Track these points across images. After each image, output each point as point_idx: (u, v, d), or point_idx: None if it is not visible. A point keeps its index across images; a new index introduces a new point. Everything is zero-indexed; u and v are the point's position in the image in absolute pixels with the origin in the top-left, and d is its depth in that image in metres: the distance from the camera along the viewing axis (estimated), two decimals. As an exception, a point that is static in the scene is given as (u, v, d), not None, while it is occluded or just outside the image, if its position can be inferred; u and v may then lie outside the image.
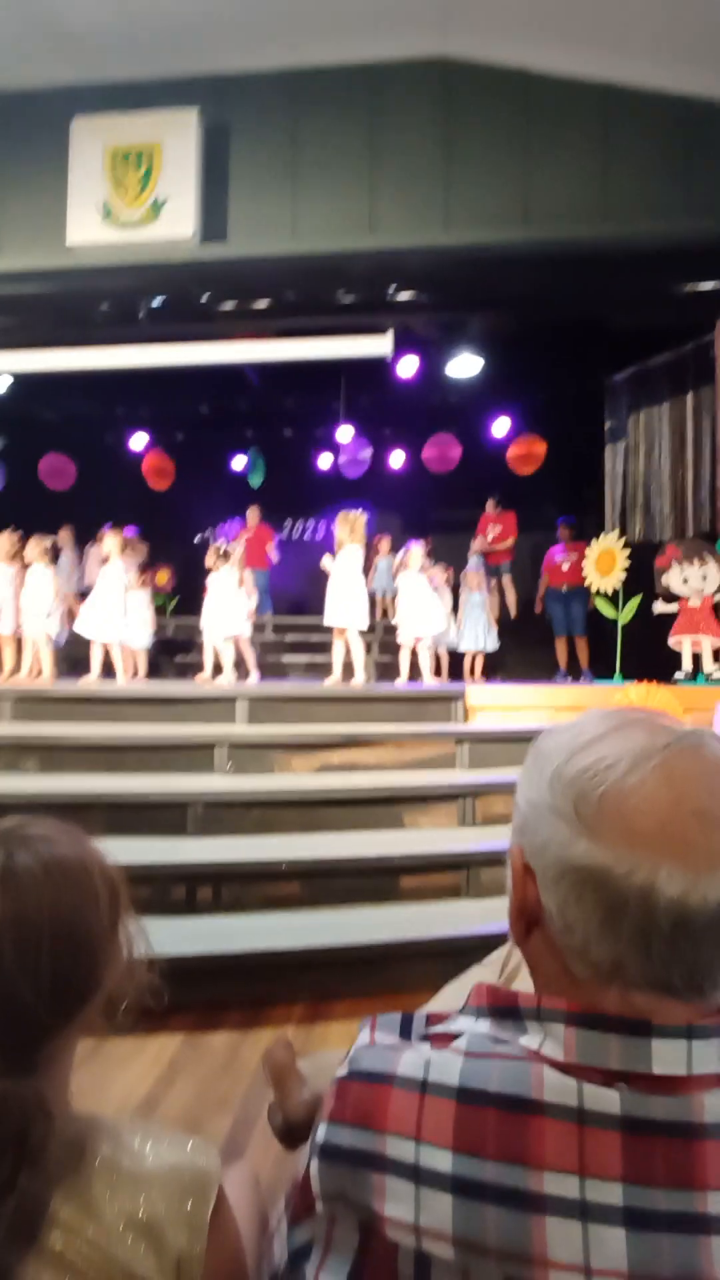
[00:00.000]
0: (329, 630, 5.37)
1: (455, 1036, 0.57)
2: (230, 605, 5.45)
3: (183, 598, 8.76)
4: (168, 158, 5.19)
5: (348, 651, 5.22)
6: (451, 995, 1.19)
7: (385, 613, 8.02)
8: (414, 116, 5.14)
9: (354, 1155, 0.52)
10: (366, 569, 8.02)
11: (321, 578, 5.44)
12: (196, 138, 5.17)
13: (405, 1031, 0.62)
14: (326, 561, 5.42)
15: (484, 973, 1.16)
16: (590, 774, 0.54)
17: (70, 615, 7.82)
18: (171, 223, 5.18)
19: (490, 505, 7.78)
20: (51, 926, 0.60)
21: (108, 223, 5.23)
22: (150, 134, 5.23)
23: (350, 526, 5.39)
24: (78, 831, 0.68)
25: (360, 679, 5.14)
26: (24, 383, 7.15)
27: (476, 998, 0.60)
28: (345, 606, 5.21)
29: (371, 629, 7.43)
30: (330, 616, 5.26)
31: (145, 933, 0.69)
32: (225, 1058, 2.26)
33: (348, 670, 5.21)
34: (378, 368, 6.73)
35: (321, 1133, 0.54)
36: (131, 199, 5.23)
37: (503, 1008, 0.57)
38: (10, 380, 7.17)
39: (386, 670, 6.79)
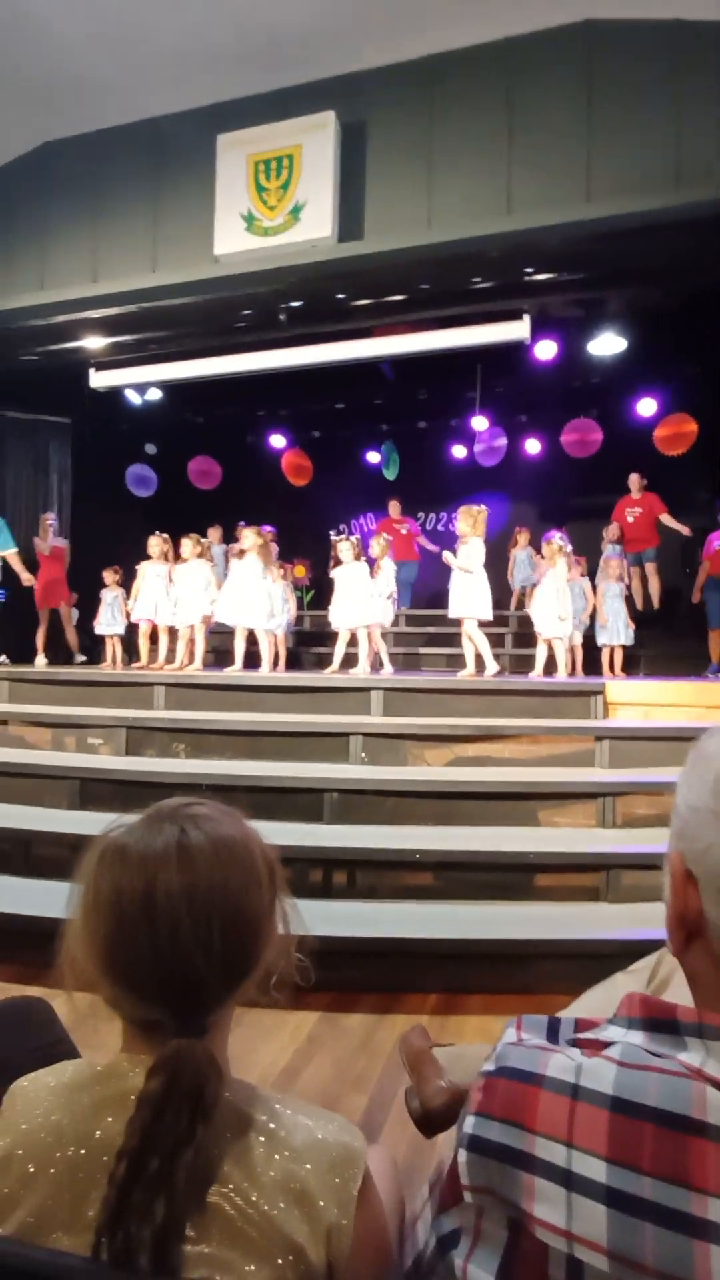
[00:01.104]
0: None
1: (605, 1045, 0.55)
2: (359, 598, 5.55)
3: (319, 591, 9.02)
4: (306, 162, 5.33)
5: (475, 645, 5.19)
6: (596, 1002, 1.16)
7: (522, 604, 7.84)
8: (554, 88, 4.94)
9: (503, 1151, 0.52)
10: (504, 561, 7.89)
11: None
12: (334, 139, 5.27)
13: (552, 1034, 0.61)
14: (449, 556, 5.40)
15: (630, 981, 1.12)
16: None
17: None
18: (310, 225, 5.31)
19: (634, 482, 7.30)
20: (222, 901, 0.64)
21: (250, 231, 5.45)
22: (289, 140, 5.39)
23: (472, 520, 5.34)
24: (238, 813, 0.72)
25: (491, 670, 5.07)
26: (173, 389, 7.64)
27: (628, 1007, 0.58)
28: (465, 598, 5.19)
29: (504, 621, 7.31)
30: (453, 608, 5.28)
31: (298, 912, 0.72)
32: (360, 1038, 2.33)
33: (480, 663, 5.15)
34: (514, 353, 6.56)
35: (469, 1125, 0.55)
36: (272, 206, 5.42)
37: (659, 1020, 0.55)
38: (160, 391, 7.69)
39: (524, 663, 6.65)
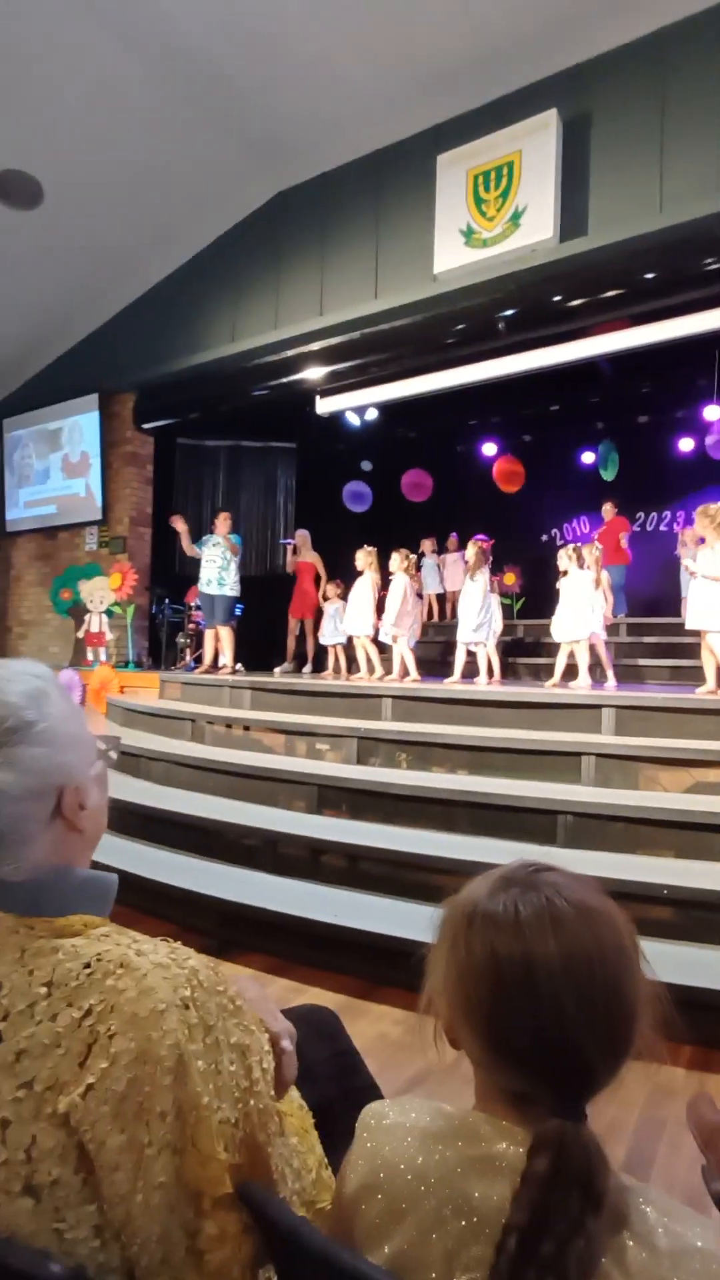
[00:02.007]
0: (693, 633, 4.90)
1: None
2: (581, 608, 5.31)
3: (530, 599, 8.79)
4: (526, 166, 5.24)
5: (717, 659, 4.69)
6: None
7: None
8: None
9: None
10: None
11: (678, 571, 4.97)
12: (555, 138, 5.13)
13: None
14: (689, 564, 4.95)
15: None
16: None
17: (432, 618, 8.44)
18: (530, 230, 5.22)
19: None
20: (601, 972, 0.62)
21: (469, 244, 5.48)
22: (508, 147, 5.33)
23: (712, 521, 4.82)
24: (590, 879, 0.70)
25: (708, 687, 4.57)
26: (387, 408, 7.90)
27: None
28: (704, 608, 4.69)
29: None
30: (692, 619, 4.81)
31: (650, 965, 0.68)
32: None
33: None
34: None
35: None
36: (491, 216, 5.40)
37: None
38: (376, 410, 7.99)
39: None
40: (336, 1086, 1.14)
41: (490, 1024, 0.63)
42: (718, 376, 7.34)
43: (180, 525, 6.56)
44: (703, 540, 4.89)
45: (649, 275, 4.99)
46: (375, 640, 6.21)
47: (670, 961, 2.54)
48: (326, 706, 4.87)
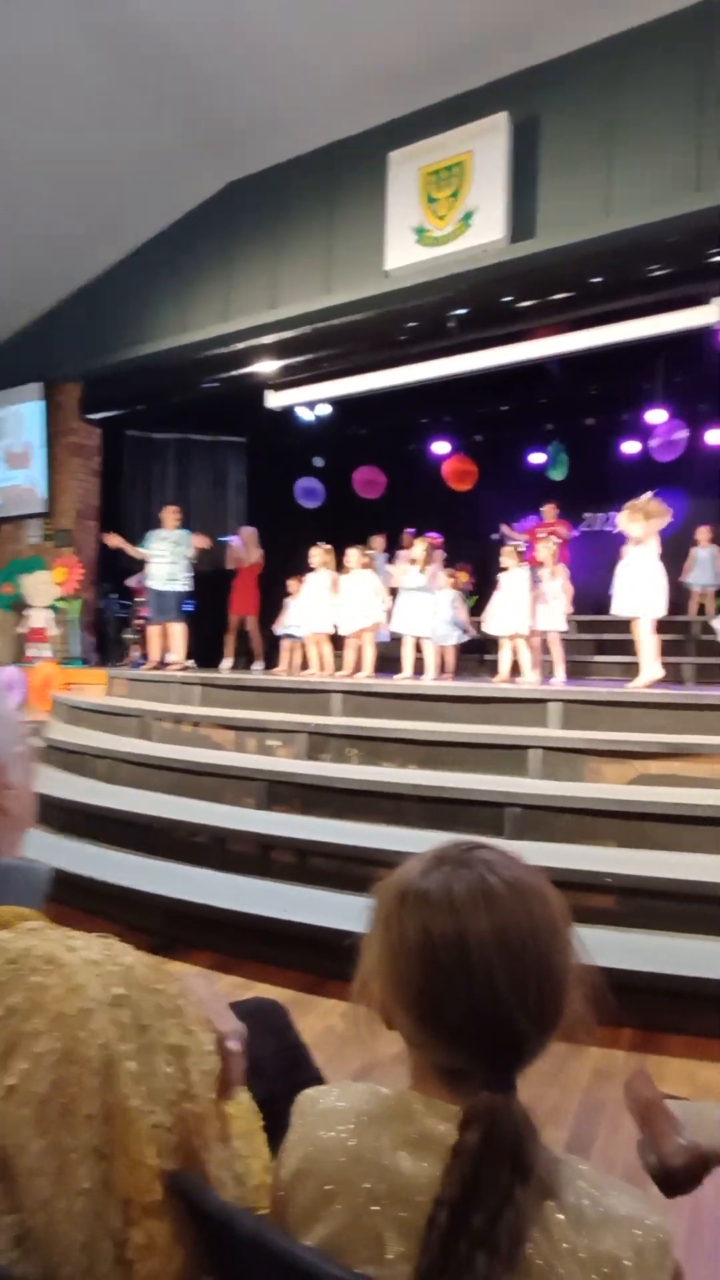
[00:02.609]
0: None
1: None
2: (520, 603, 5.40)
3: (483, 597, 8.89)
4: (477, 166, 5.29)
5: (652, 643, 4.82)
6: None
7: (702, 609, 7.26)
8: (752, 48, 4.54)
9: None
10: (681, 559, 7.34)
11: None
12: (506, 140, 5.19)
13: None
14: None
15: None
16: None
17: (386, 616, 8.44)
18: (481, 230, 5.27)
19: None
20: (533, 947, 0.62)
21: (421, 243, 5.51)
22: (460, 147, 5.37)
23: (639, 512, 4.94)
24: (520, 857, 0.70)
25: (645, 678, 4.68)
26: (339, 404, 7.88)
27: None
28: (633, 595, 4.79)
29: (684, 628, 6.79)
30: (618, 606, 4.90)
31: (583, 945, 0.69)
32: (551, 1069, 2.24)
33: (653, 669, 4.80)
34: (699, 340, 6.08)
35: None
36: (442, 215, 5.43)
37: None
38: (329, 406, 7.97)
39: (710, 673, 6.16)
40: (283, 1081, 1.12)
41: (423, 1002, 0.63)
42: (659, 381, 7.55)
43: (114, 541, 6.56)
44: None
45: (596, 279, 5.10)
46: (332, 637, 6.20)
47: (614, 947, 2.60)
48: (277, 702, 4.83)
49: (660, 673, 4.83)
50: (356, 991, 0.69)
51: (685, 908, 2.82)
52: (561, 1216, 0.58)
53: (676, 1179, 1.18)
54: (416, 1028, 0.64)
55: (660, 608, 4.80)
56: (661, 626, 6.62)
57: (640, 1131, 1.28)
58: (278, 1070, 1.12)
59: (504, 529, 8.22)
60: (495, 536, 8.86)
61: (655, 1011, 2.47)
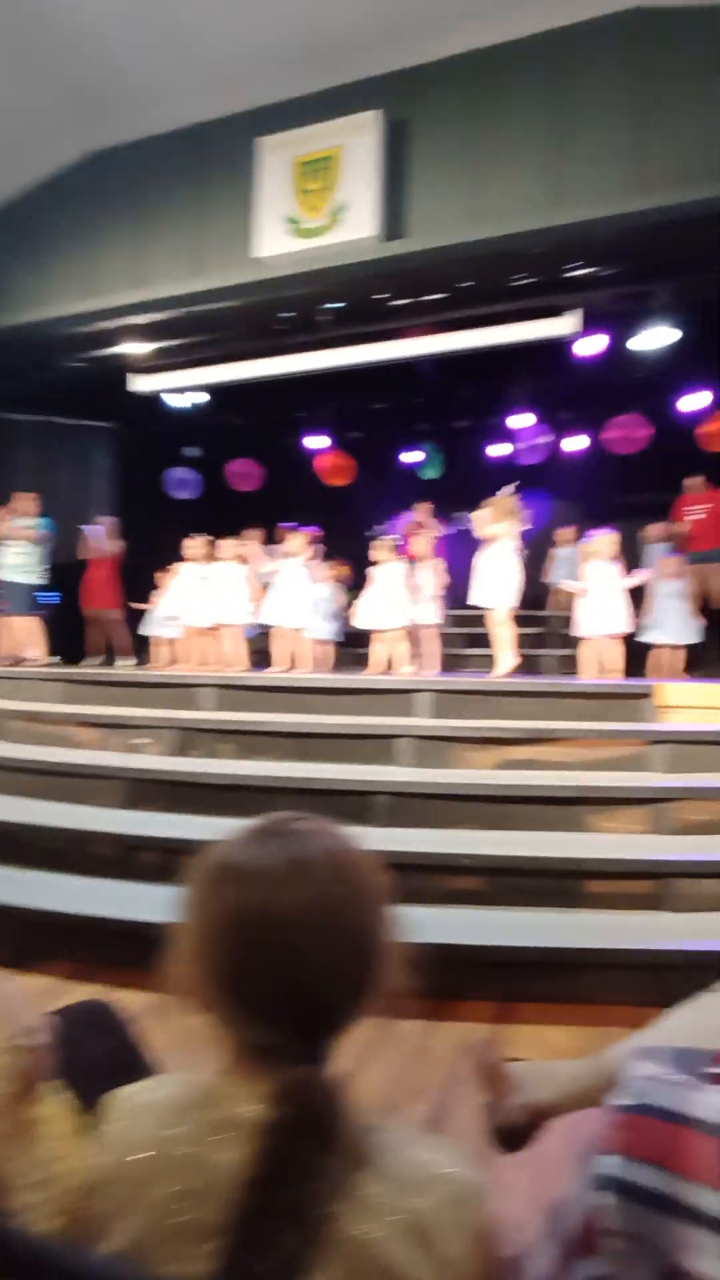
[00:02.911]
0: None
1: None
2: (392, 598, 5.51)
3: (360, 591, 8.98)
4: (347, 163, 5.32)
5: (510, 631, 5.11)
6: (684, 1023, 1.11)
7: (562, 605, 7.70)
8: (603, 78, 4.85)
9: (654, 1198, 0.48)
10: (541, 558, 7.76)
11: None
12: (377, 139, 5.25)
13: (683, 1064, 0.57)
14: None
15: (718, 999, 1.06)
16: None
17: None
18: (353, 226, 5.31)
19: (697, 482, 7.07)
20: (344, 917, 0.61)
21: (293, 233, 5.47)
22: (331, 141, 5.38)
23: (498, 510, 5.24)
24: (338, 826, 0.69)
25: (502, 668, 4.96)
26: (213, 393, 7.70)
27: None
28: (491, 586, 5.08)
29: (540, 621, 7.20)
30: (475, 595, 5.16)
31: (403, 921, 0.69)
32: (415, 1045, 2.29)
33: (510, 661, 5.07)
34: (558, 349, 6.45)
35: (613, 1166, 0.51)
36: (315, 208, 5.42)
37: None
38: (205, 395, 7.77)
39: (569, 664, 6.53)
40: (115, 1082, 1.07)
41: (234, 977, 0.61)
42: (522, 386, 7.93)
43: None
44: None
45: (466, 283, 5.27)
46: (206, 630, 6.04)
47: (477, 924, 2.70)
48: (145, 698, 4.65)
49: (515, 660, 5.08)
50: (169, 977, 0.65)
51: (540, 883, 2.98)
52: (374, 1185, 0.57)
53: (516, 1137, 1.23)
54: (227, 1006, 0.62)
55: (513, 600, 5.06)
56: (524, 620, 6.98)
57: (485, 1095, 1.33)
58: (109, 1071, 1.07)
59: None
60: (370, 532, 9.01)
61: (514, 982, 2.58)
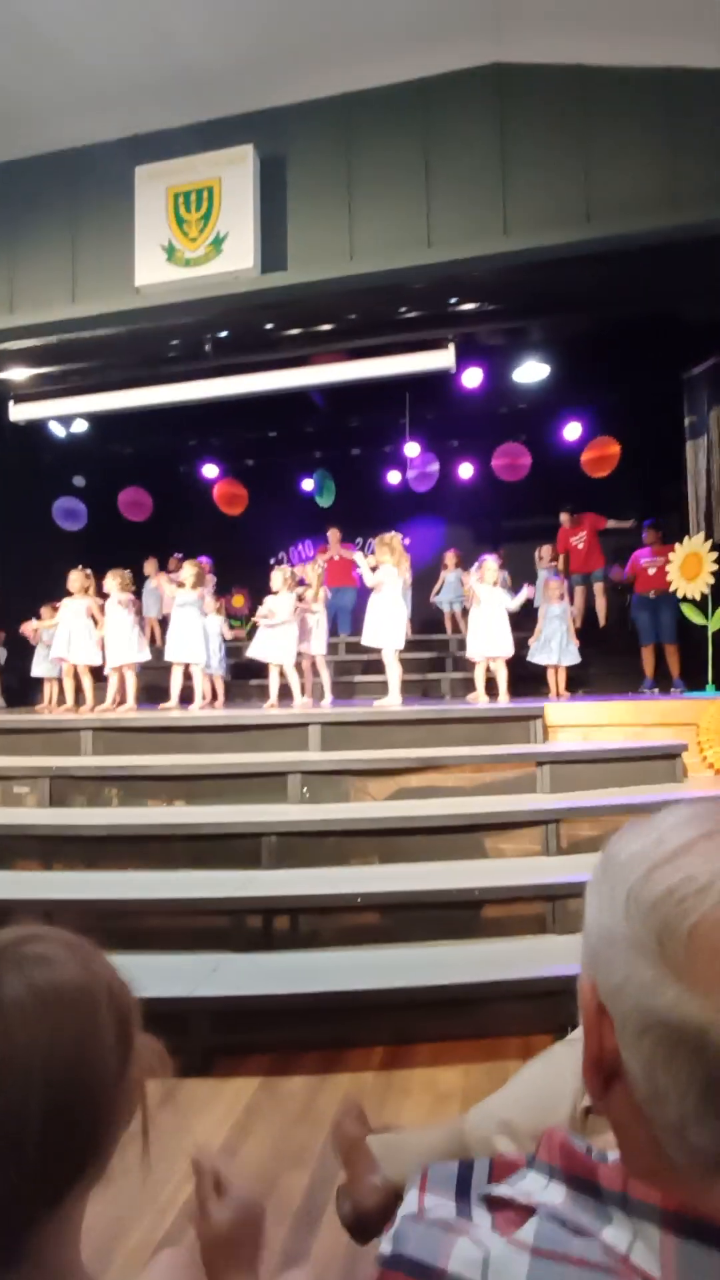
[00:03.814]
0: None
1: (522, 1207, 0.47)
2: (286, 630, 5.46)
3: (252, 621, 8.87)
4: (226, 194, 5.31)
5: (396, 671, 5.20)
6: (534, 1079, 1.08)
7: (455, 628, 7.87)
8: (468, 126, 5.07)
9: None
10: (432, 582, 7.92)
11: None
12: (253, 172, 5.27)
13: (463, 1186, 0.52)
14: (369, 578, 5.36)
15: (569, 1053, 1.05)
16: (676, 899, 0.42)
17: (154, 642, 8.08)
18: (232, 257, 5.29)
19: (565, 517, 7.46)
20: (43, 1074, 0.50)
21: (172, 262, 5.39)
22: (209, 173, 5.36)
23: (387, 548, 5.34)
24: (87, 946, 0.58)
25: (394, 701, 5.03)
26: (100, 421, 7.46)
27: (548, 1151, 0.49)
28: (380, 627, 5.17)
29: (413, 645, 7.33)
30: (367, 637, 5.25)
31: (157, 1055, 0.59)
32: (302, 1105, 2.19)
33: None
34: (443, 380, 6.64)
35: None
36: (193, 237, 5.37)
37: (580, 1179, 0.46)
38: (86, 423, 7.51)
39: (461, 688, 6.64)
40: None
41: None
42: (410, 416, 8.13)
43: None
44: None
45: (350, 316, 5.34)
46: (94, 669, 5.75)
47: (367, 967, 2.63)
48: (17, 745, 4.35)
49: (399, 698, 5.15)
50: None
51: (433, 914, 2.95)
52: None
53: (368, 1224, 1.16)
54: None
55: (400, 640, 5.15)
56: (419, 645, 7.08)
57: (344, 1171, 1.26)
58: None
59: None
60: (273, 561, 8.95)
61: (404, 1025, 2.53)
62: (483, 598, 5.46)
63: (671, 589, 5.69)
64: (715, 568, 5.35)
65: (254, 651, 5.56)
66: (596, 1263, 0.41)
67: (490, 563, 5.64)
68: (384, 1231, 1.14)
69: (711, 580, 5.37)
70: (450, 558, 7.94)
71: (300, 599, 5.65)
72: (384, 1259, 0.46)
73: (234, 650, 7.24)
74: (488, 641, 5.40)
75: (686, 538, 5.75)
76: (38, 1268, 0.50)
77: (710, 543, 5.52)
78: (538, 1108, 1.01)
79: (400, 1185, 1.15)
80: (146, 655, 5.83)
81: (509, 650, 5.44)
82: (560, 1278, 0.40)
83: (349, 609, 7.94)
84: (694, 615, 5.52)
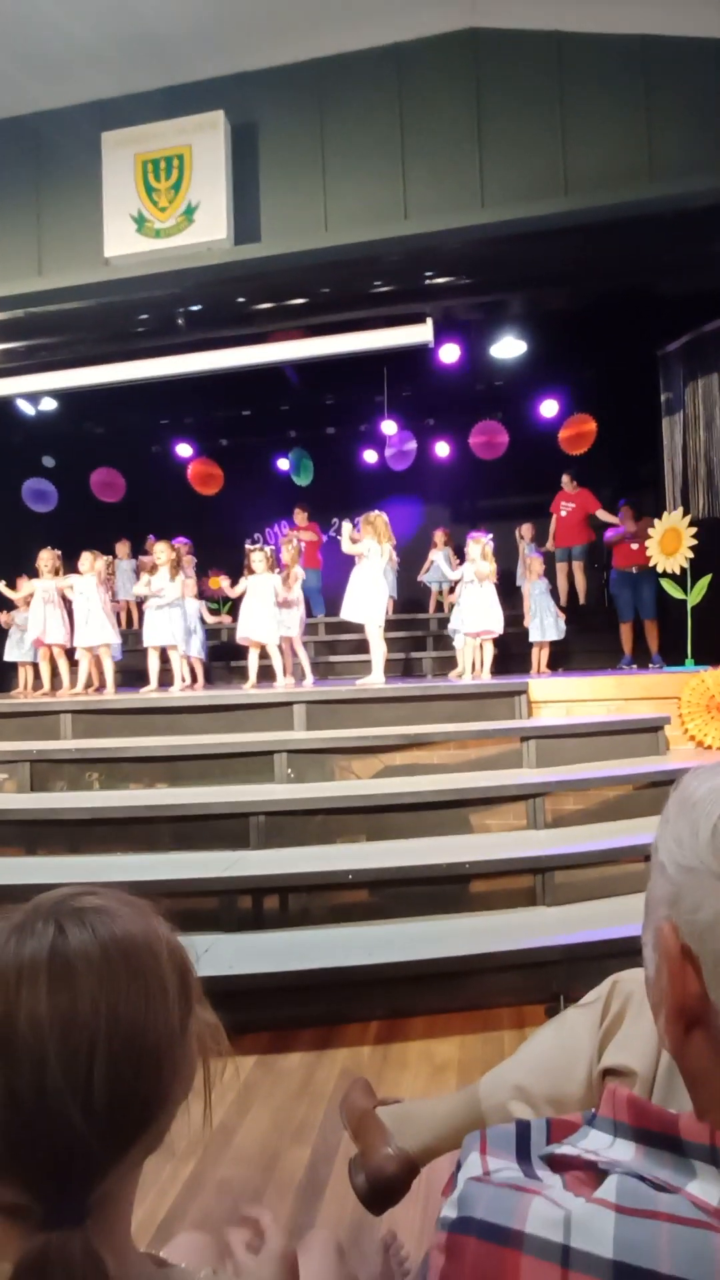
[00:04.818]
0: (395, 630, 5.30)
1: (589, 1164, 0.45)
2: (269, 609, 5.40)
3: (237, 603, 8.78)
4: (197, 162, 5.16)
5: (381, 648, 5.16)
6: (548, 1044, 1.07)
7: (441, 606, 7.86)
8: (443, 95, 4.97)
9: None
10: (412, 561, 7.90)
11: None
12: (224, 140, 5.13)
13: (523, 1148, 0.50)
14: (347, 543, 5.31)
15: (583, 1017, 1.03)
16: None
17: (131, 625, 7.96)
18: (205, 227, 5.15)
19: (567, 480, 7.44)
20: (110, 1028, 0.48)
21: (142, 233, 5.24)
22: (179, 140, 5.20)
23: (371, 526, 5.28)
24: (143, 903, 0.57)
25: (378, 679, 5.01)
26: (71, 399, 7.27)
27: (613, 1107, 0.47)
28: (362, 602, 5.12)
29: (394, 624, 7.33)
30: (347, 611, 5.19)
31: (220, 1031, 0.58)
32: (300, 1081, 2.19)
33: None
34: (419, 357, 6.56)
35: None
36: (164, 207, 5.22)
37: (657, 1135, 0.44)
38: (55, 401, 7.31)
39: (441, 667, 6.65)
40: None
41: None
42: (387, 393, 8.04)
43: None
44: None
45: (324, 289, 5.23)
46: (68, 651, 5.65)
47: (362, 943, 2.63)
48: (-3, 730, 4.26)
49: (382, 676, 5.12)
50: None
51: (423, 890, 2.96)
52: None
53: (383, 1194, 1.15)
54: None
55: (380, 615, 5.11)
56: (402, 624, 7.07)
57: (354, 1144, 1.25)
58: None
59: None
60: (250, 541, 8.84)
61: (398, 999, 2.53)
62: (482, 575, 5.44)
63: (651, 564, 5.73)
64: (694, 543, 5.39)
65: (242, 632, 5.48)
66: (687, 1217, 0.39)
67: (486, 540, 5.62)
68: (396, 1199, 1.12)
69: (690, 555, 5.41)
70: (440, 536, 7.91)
71: (285, 580, 5.59)
72: (450, 1223, 0.44)
73: (213, 632, 7.17)
74: (482, 618, 5.40)
75: (665, 512, 5.78)
76: (98, 1224, 0.47)
77: (688, 518, 5.56)
78: (553, 1073, 1.00)
79: (414, 1155, 1.14)
80: (117, 639, 5.74)
81: (500, 628, 5.46)
82: (652, 1234, 0.38)
83: (317, 589, 7.92)
84: (674, 590, 5.56)
